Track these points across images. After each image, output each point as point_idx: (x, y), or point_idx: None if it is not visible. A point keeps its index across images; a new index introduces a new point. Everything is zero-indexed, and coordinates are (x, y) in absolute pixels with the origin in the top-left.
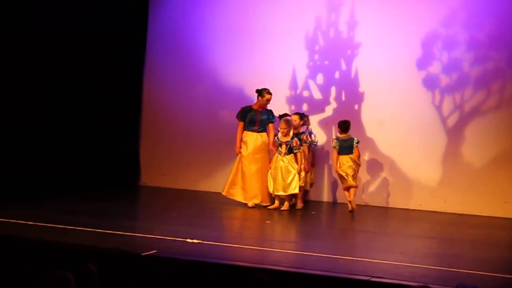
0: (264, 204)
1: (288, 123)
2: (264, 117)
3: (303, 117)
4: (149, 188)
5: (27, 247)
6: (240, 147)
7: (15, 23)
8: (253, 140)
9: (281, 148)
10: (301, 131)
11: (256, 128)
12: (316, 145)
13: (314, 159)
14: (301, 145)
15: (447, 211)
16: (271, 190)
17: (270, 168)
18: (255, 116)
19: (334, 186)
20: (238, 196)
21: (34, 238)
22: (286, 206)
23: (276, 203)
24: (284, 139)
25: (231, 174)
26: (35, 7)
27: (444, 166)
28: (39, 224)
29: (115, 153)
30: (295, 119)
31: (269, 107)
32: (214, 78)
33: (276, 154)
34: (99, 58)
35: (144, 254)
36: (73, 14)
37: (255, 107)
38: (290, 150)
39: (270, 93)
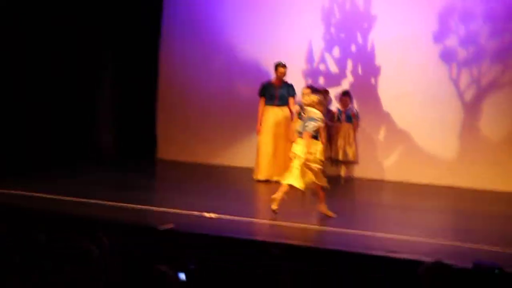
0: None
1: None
2: (283, 91)
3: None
4: (166, 162)
5: (42, 219)
6: (261, 124)
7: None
8: (273, 114)
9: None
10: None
11: (276, 102)
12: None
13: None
14: None
15: (463, 186)
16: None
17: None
18: (274, 91)
19: None
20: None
21: (49, 210)
22: None
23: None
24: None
25: (257, 156)
26: None
27: (461, 141)
28: (54, 196)
29: (131, 125)
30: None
31: (286, 79)
32: (230, 51)
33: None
34: (114, 29)
35: (161, 228)
36: None
37: (273, 82)
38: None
39: (284, 66)
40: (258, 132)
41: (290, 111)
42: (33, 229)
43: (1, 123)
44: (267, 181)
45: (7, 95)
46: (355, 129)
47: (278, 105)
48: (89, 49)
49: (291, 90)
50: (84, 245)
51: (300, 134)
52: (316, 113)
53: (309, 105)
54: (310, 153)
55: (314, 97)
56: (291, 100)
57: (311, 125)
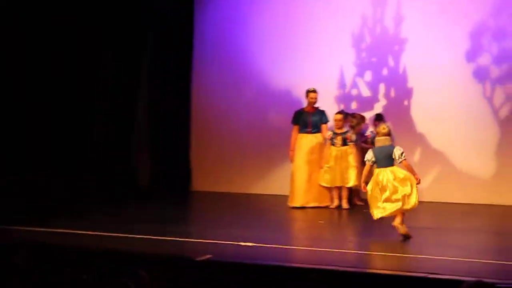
0: (323, 205)
1: (343, 117)
2: (316, 118)
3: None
4: (201, 193)
5: (84, 256)
6: (294, 151)
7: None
8: (307, 141)
9: (335, 139)
10: (344, 130)
11: (310, 129)
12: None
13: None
14: (352, 141)
15: (502, 203)
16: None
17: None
18: (307, 118)
19: None
20: (301, 201)
21: (88, 247)
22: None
23: (335, 201)
24: (338, 131)
25: (291, 183)
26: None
27: (498, 159)
28: (93, 233)
29: (166, 158)
30: (338, 118)
31: (318, 105)
32: (261, 80)
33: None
34: (147, 62)
35: (199, 259)
36: (122, 17)
37: (306, 109)
38: (344, 142)
39: (314, 91)
40: (291, 159)
41: (324, 137)
42: (76, 268)
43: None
44: (302, 208)
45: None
46: None
47: (312, 133)
48: (124, 83)
49: (324, 117)
50: (123, 281)
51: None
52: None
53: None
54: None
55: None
56: (323, 126)
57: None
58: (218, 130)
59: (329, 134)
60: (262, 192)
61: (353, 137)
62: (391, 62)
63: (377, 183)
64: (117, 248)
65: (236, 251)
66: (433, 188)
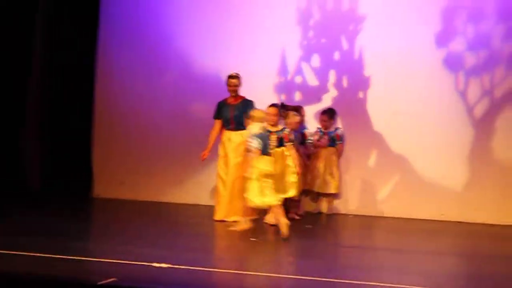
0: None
1: (278, 110)
2: (239, 111)
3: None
4: (104, 200)
5: None
6: (209, 151)
7: None
8: (230, 140)
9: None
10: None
11: (232, 126)
12: (311, 142)
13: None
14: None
15: (476, 221)
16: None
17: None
18: (228, 111)
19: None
20: (222, 214)
21: None
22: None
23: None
24: (273, 129)
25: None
26: None
27: (471, 166)
28: None
29: (63, 159)
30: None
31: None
32: (182, 65)
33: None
34: (40, 40)
35: (101, 283)
36: None
37: (229, 101)
38: (280, 143)
39: (233, 76)
40: (201, 158)
41: None
42: None
43: None
44: (223, 221)
45: None
46: (339, 155)
47: (235, 129)
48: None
49: (249, 109)
50: None
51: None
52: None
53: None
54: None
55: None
56: (247, 121)
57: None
58: (126, 124)
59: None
60: (177, 201)
61: (292, 136)
62: (344, 45)
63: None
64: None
65: (147, 273)
66: (392, 200)
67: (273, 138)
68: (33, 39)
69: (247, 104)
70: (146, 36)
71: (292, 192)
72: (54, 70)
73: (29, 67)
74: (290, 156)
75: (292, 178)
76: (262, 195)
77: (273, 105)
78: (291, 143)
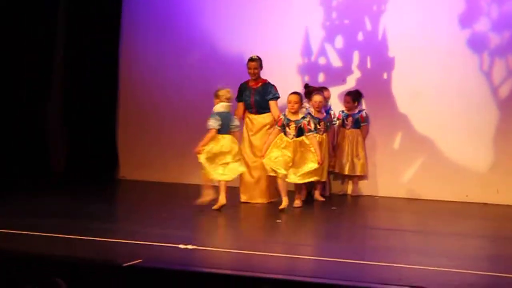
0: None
1: (299, 98)
2: (260, 95)
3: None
4: (130, 182)
5: None
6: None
7: None
8: (248, 123)
9: (288, 128)
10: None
11: (254, 110)
12: (334, 124)
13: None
14: (311, 130)
15: (500, 202)
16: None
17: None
18: (249, 95)
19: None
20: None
21: None
22: (298, 202)
23: (285, 201)
24: (293, 117)
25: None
26: None
27: (496, 148)
28: None
29: (88, 141)
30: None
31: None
32: (208, 48)
33: (281, 135)
34: (65, 24)
35: (127, 264)
36: None
37: (250, 84)
38: (300, 132)
39: (252, 59)
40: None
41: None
42: None
43: None
44: (247, 203)
45: None
46: (364, 137)
47: (258, 113)
48: (37, 49)
49: (270, 92)
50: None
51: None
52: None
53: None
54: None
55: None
56: (272, 104)
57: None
58: (152, 106)
59: (280, 117)
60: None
61: (312, 125)
62: (368, 26)
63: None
64: (24, 249)
65: (172, 255)
66: (417, 182)
67: (292, 127)
68: (57, 20)
69: (267, 86)
70: (171, 17)
71: (312, 178)
72: (79, 51)
73: (54, 49)
74: (311, 145)
75: (312, 165)
76: (214, 170)
77: (294, 93)
78: (312, 133)
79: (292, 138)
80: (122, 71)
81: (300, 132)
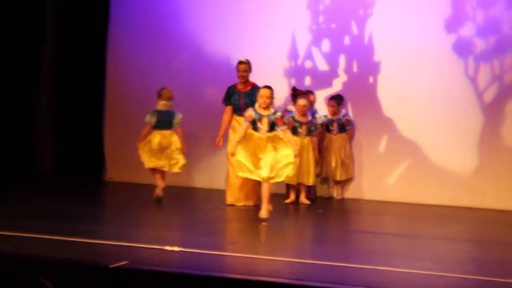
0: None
1: (272, 93)
2: (248, 100)
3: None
4: (117, 184)
5: None
6: (222, 138)
7: None
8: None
9: (260, 123)
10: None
11: (243, 113)
12: (319, 128)
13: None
14: (285, 123)
15: (485, 206)
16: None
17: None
18: (239, 99)
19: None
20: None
21: None
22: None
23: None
24: (264, 113)
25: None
26: None
27: (481, 152)
28: None
29: (75, 143)
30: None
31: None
32: (195, 49)
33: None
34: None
35: (113, 266)
36: None
37: (238, 87)
38: (272, 127)
39: (242, 62)
40: (216, 145)
41: None
42: None
43: None
44: (232, 205)
45: None
46: (350, 140)
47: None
48: (25, 50)
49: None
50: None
51: None
52: None
53: None
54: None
55: None
56: None
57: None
58: (139, 108)
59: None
60: (190, 185)
61: (286, 119)
62: (354, 30)
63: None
64: (10, 250)
65: (158, 257)
66: (402, 185)
67: (264, 122)
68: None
69: (257, 91)
70: (158, 19)
71: (288, 173)
72: (66, 53)
73: (41, 50)
74: (286, 139)
75: (288, 159)
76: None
77: (265, 87)
78: (285, 126)
79: (264, 133)
80: (109, 73)
81: (272, 126)
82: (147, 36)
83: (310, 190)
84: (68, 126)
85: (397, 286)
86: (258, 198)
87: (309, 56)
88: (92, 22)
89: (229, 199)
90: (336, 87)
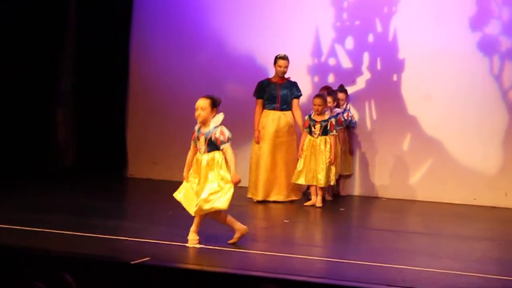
0: (289, 199)
1: (324, 99)
2: (286, 91)
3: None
4: (138, 180)
5: None
6: (259, 131)
7: None
8: (275, 120)
9: (314, 128)
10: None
11: (278, 105)
12: (354, 126)
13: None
14: (335, 128)
15: (509, 206)
16: (301, 181)
17: (300, 155)
18: (275, 91)
19: (367, 177)
20: (262, 194)
21: None
22: (319, 201)
23: (313, 198)
24: (318, 118)
25: (252, 171)
26: None
27: (505, 151)
28: (3, 226)
29: (97, 139)
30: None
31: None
32: (217, 46)
33: (308, 136)
34: (74, 20)
35: (134, 262)
36: None
37: (274, 80)
38: (324, 132)
39: (284, 58)
40: (256, 140)
41: (294, 116)
42: None
43: None
44: (263, 202)
45: None
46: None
47: (281, 109)
48: (48, 48)
49: (295, 89)
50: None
51: None
52: None
53: None
54: None
55: None
56: (295, 102)
57: None
58: (160, 106)
59: (305, 118)
60: None
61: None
62: (378, 27)
63: None
64: (33, 245)
65: (180, 253)
66: (425, 184)
67: (318, 127)
68: (67, 18)
69: (293, 84)
70: (180, 15)
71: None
72: (89, 50)
73: (64, 48)
74: (329, 144)
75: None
76: None
77: (318, 96)
78: (333, 133)
79: (317, 136)
80: (132, 70)
81: (325, 131)
82: (170, 33)
83: (329, 190)
84: (90, 123)
85: (418, 285)
86: (290, 195)
87: (332, 53)
88: (115, 19)
89: (260, 195)
90: (360, 84)
